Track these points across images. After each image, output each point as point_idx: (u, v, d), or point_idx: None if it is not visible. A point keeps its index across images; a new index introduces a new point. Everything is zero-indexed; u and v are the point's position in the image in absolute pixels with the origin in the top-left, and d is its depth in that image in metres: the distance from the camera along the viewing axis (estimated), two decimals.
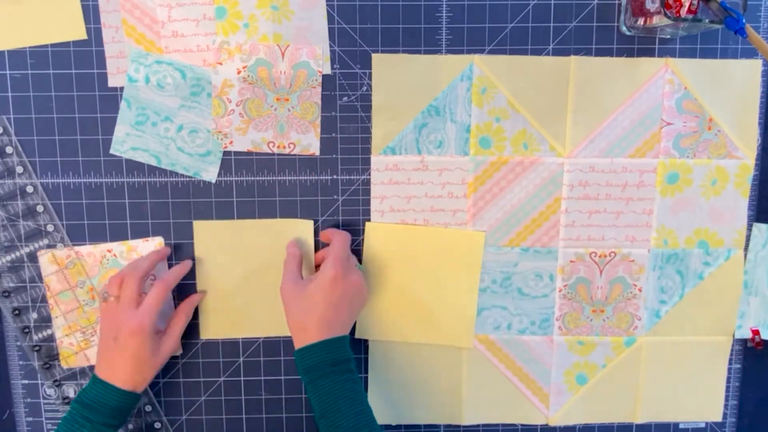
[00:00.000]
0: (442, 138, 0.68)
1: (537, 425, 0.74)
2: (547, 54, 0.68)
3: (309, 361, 0.59)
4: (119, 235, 0.69)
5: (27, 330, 0.69)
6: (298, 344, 0.61)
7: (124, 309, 0.62)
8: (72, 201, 0.68)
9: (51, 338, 0.70)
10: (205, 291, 0.69)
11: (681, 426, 0.74)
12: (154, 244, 0.69)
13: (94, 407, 0.60)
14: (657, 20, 0.62)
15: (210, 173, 0.69)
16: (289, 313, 0.62)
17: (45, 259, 0.68)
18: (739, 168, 0.69)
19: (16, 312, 0.69)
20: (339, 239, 0.65)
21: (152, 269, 0.66)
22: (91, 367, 0.70)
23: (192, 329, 0.70)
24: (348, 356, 0.60)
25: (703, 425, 0.74)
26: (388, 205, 0.69)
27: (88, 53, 0.66)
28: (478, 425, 0.74)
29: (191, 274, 0.70)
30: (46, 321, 0.69)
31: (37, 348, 0.70)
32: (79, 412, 0.59)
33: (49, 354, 0.70)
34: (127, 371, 0.61)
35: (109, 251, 0.68)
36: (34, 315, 0.69)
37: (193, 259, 0.69)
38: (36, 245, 0.68)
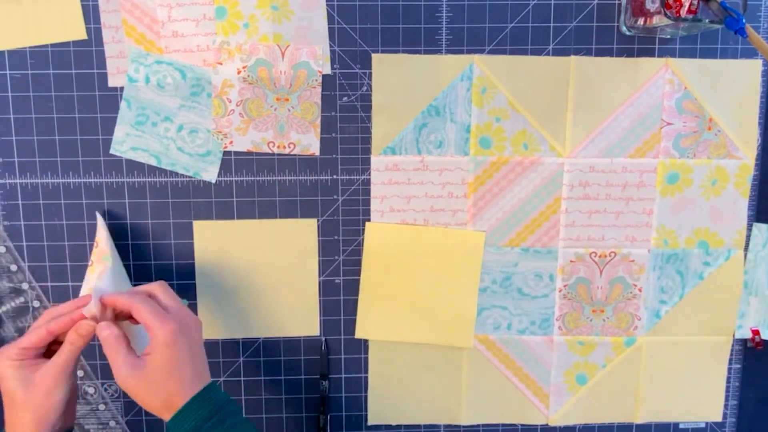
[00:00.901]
0: (442, 138, 0.68)
1: (537, 425, 0.74)
2: (547, 54, 0.68)
3: (186, 426, 0.52)
4: (119, 235, 0.69)
5: None
6: (166, 417, 0.53)
7: None
8: (72, 201, 0.68)
9: None
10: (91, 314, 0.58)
11: (681, 426, 0.74)
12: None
13: None
14: (657, 20, 0.62)
15: (210, 173, 0.69)
16: (143, 402, 0.53)
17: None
18: (739, 168, 0.69)
19: None
20: (140, 304, 0.54)
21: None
22: None
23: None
24: (221, 401, 0.54)
25: (703, 425, 0.74)
26: (388, 205, 0.69)
27: (88, 53, 0.66)
28: (478, 425, 0.74)
29: (191, 273, 0.69)
30: None
31: None
32: None
33: None
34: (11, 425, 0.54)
35: None
36: None
37: (193, 259, 0.69)
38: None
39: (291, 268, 0.70)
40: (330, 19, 0.67)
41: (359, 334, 0.71)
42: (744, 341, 0.73)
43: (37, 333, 0.55)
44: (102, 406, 0.71)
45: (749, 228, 0.71)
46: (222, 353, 0.71)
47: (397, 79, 0.67)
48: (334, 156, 0.69)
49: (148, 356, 0.53)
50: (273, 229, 0.69)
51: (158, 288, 0.57)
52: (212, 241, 0.69)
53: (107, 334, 0.55)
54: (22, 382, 0.54)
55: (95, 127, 0.67)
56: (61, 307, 0.58)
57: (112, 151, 0.68)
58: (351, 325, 0.71)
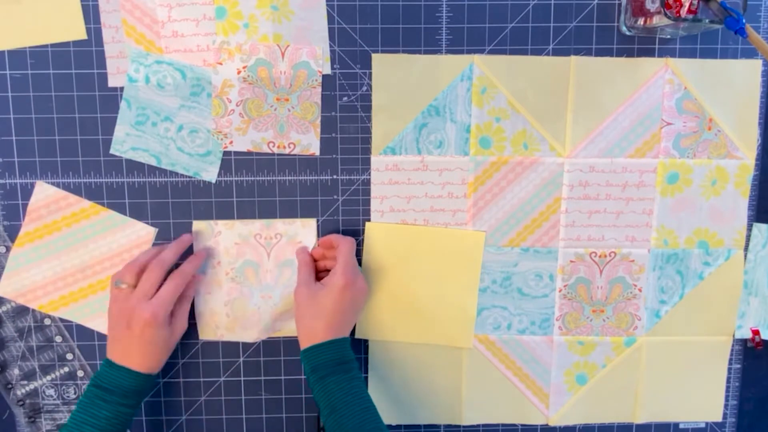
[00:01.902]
0: (442, 138, 0.68)
1: (537, 425, 0.74)
2: (547, 54, 0.68)
3: (316, 360, 0.61)
4: None
5: (10, 386, 0.70)
6: (304, 344, 0.62)
7: (138, 299, 0.62)
8: None
9: (35, 393, 0.70)
10: (201, 276, 0.69)
11: (681, 426, 0.74)
12: (147, 232, 0.69)
13: (110, 390, 0.60)
14: (657, 20, 0.62)
15: (210, 173, 0.69)
16: (299, 315, 0.63)
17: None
18: (739, 168, 0.69)
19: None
20: (346, 246, 0.65)
21: (174, 262, 0.66)
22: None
23: (191, 329, 0.70)
24: (351, 356, 0.62)
25: (703, 425, 0.74)
26: (388, 205, 0.69)
27: (88, 53, 0.66)
28: (478, 425, 0.74)
29: None
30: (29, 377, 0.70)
31: (21, 403, 0.70)
32: (96, 394, 0.60)
33: (33, 408, 0.70)
34: (142, 357, 0.62)
35: None
36: (16, 371, 0.70)
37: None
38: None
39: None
40: (330, 19, 0.67)
41: (359, 334, 0.71)
42: (744, 341, 0.73)
43: (173, 287, 0.63)
44: None
45: (749, 228, 0.71)
46: (222, 353, 0.71)
47: (397, 79, 0.67)
48: (334, 156, 0.69)
49: (321, 285, 0.64)
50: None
51: (352, 245, 0.66)
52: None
53: (303, 257, 0.68)
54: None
55: (95, 127, 0.67)
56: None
57: (112, 151, 0.68)
58: None
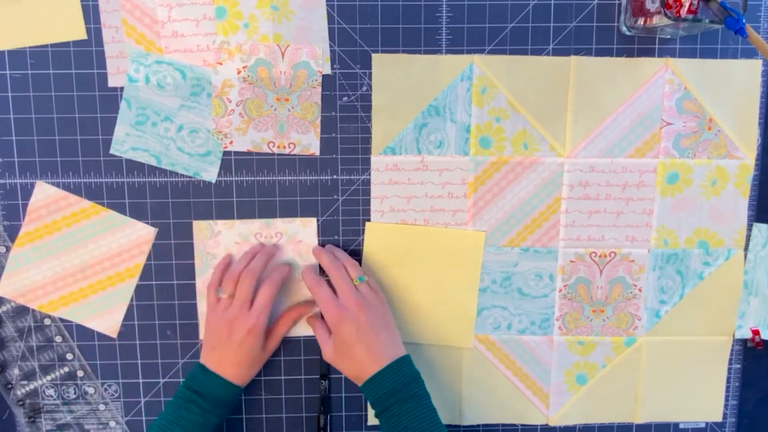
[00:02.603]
0: (442, 138, 0.68)
1: (537, 425, 0.74)
2: (547, 54, 0.68)
3: (372, 395, 0.61)
4: None
5: (10, 386, 0.70)
6: (359, 383, 0.63)
7: (240, 308, 0.63)
8: None
9: (35, 393, 0.71)
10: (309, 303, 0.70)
11: (681, 426, 0.74)
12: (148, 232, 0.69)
13: (204, 395, 0.62)
14: (657, 20, 0.62)
15: (210, 173, 0.69)
16: (341, 370, 0.64)
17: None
18: (739, 168, 0.69)
19: None
20: (315, 288, 0.64)
21: (264, 270, 0.67)
22: None
23: (191, 329, 0.70)
24: (409, 377, 0.61)
25: (703, 425, 0.74)
26: (388, 205, 0.69)
27: (88, 53, 0.66)
28: (478, 425, 0.74)
29: (191, 274, 0.70)
30: (29, 377, 0.70)
31: (21, 403, 0.70)
32: (189, 398, 0.62)
33: (33, 408, 0.70)
34: (239, 367, 0.64)
35: None
36: (16, 371, 0.70)
37: (193, 259, 0.69)
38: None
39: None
40: (330, 19, 0.67)
41: None
42: (744, 341, 0.73)
43: (268, 295, 0.64)
44: (102, 406, 0.71)
45: (749, 228, 0.71)
46: None
47: (397, 79, 0.67)
48: (334, 156, 0.69)
49: (332, 335, 0.63)
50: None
51: (333, 271, 0.65)
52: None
53: (311, 320, 0.68)
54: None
55: (95, 127, 0.67)
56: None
57: (112, 151, 0.68)
58: None
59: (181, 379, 0.71)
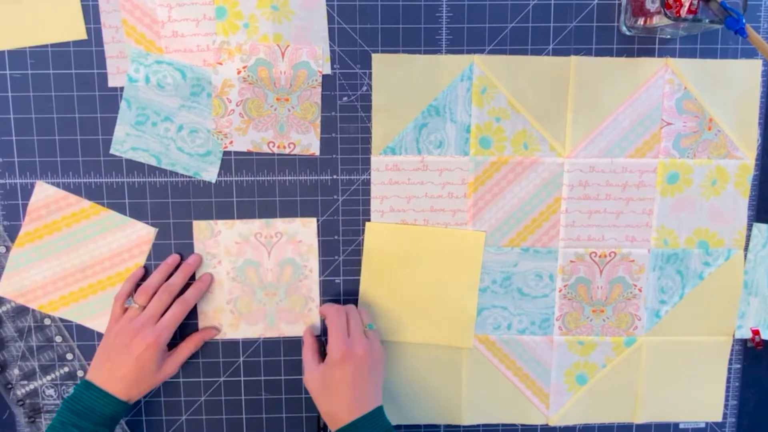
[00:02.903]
0: (442, 138, 0.68)
1: (537, 425, 0.74)
2: (547, 54, 0.68)
3: None
4: None
5: (10, 386, 0.70)
6: (333, 428, 0.61)
7: (145, 321, 0.63)
8: None
9: (35, 393, 0.70)
10: (218, 329, 0.70)
11: (681, 426, 0.74)
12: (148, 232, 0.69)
13: (86, 414, 0.59)
14: (657, 20, 0.62)
15: (210, 173, 0.69)
16: (316, 400, 0.62)
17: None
18: (739, 168, 0.69)
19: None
20: (332, 315, 0.64)
21: (182, 287, 0.67)
22: None
23: (191, 329, 0.70)
24: (383, 428, 0.60)
25: (703, 425, 0.74)
26: (388, 205, 0.69)
27: (88, 53, 0.66)
28: (478, 425, 0.74)
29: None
30: (29, 377, 0.70)
31: (21, 403, 0.70)
32: (69, 419, 0.59)
33: (33, 408, 0.70)
34: (128, 381, 0.61)
35: None
36: (16, 371, 0.70)
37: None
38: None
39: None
40: (330, 19, 0.67)
41: None
42: (744, 341, 0.73)
43: (177, 313, 0.64)
44: None
45: (749, 228, 0.71)
46: (222, 353, 0.71)
47: (397, 79, 0.67)
48: (334, 156, 0.69)
49: (325, 365, 0.62)
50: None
51: (350, 311, 0.66)
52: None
53: (306, 338, 0.67)
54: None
55: (95, 127, 0.67)
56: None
57: (112, 151, 0.68)
58: None
59: (182, 379, 0.71)
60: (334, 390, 0.61)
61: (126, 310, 0.65)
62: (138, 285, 0.67)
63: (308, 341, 0.67)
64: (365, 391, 0.61)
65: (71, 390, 0.62)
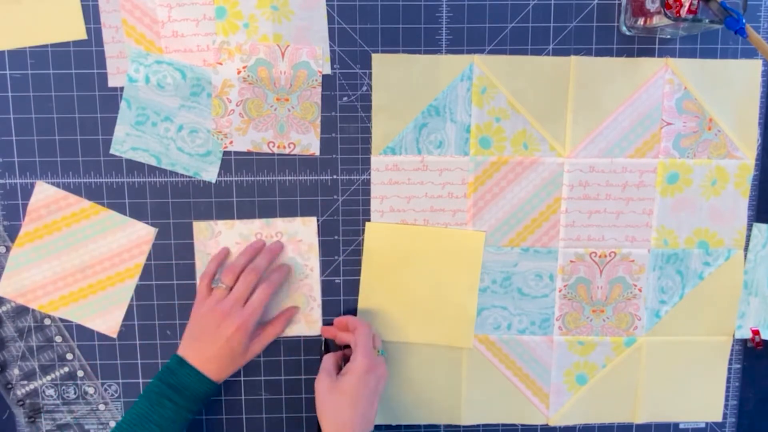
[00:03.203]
0: (442, 138, 0.68)
1: (537, 425, 0.74)
2: (547, 54, 0.68)
3: None
4: None
5: (10, 386, 0.70)
6: None
7: (234, 303, 0.63)
8: None
9: (35, 393, 0.71)
10: (299, 307, 0.70)
11: (681, 426, 0.74)
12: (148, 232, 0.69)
13: (180, 390, 0.61)
14: (657, 20, 0.62)
15: (210, 173, 0.69)
16: (322, 407, 0.61)
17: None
18: (739, 168, 0.69)
19: None
20: (364, 329, 0.64)
21: (266, 269, 0.67)
22: None
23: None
24: None
25: (703, 425, 0.74)
26: (388, 205, 0.69)
27: (88, 53, 0.66)
28: (478, 425, 0.74)
29: (191, 273, 0.70)
30: (29, 377, 0.70)
31: (21, 403, 0.70)
32: (163, 392, 0.60)
33: (33, 408, 0.70)
34: (219, 361, 0.62)
35: None
36: (16, 371, 0.70)
37: (193, 259, 0.69)
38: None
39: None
40: (330, 19, 0.67)
41: None
42: (744, 341, 0.73)
43: (263, 295, 0.64)
44: (102, 406, 0.71)
45: (749, 228, 0.71)
46: None
47: (397, 79, 0.67)
48: (334, 156, 0.69)
49: (347, 374, 0.61)
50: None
51: (369, 329, 0.65)
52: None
53: (335, 346, 0.68)
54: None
55: (95, 127, 0.67)
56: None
57: (112, 151, 0.68)
58: None
59: None
60: (346, 399, 0.60)
61: (212, 290, 0.65)
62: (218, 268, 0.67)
63: (334, 350, 0.67)
64: (371, 411, 0.61)
65: (166, 362, 0.63)
